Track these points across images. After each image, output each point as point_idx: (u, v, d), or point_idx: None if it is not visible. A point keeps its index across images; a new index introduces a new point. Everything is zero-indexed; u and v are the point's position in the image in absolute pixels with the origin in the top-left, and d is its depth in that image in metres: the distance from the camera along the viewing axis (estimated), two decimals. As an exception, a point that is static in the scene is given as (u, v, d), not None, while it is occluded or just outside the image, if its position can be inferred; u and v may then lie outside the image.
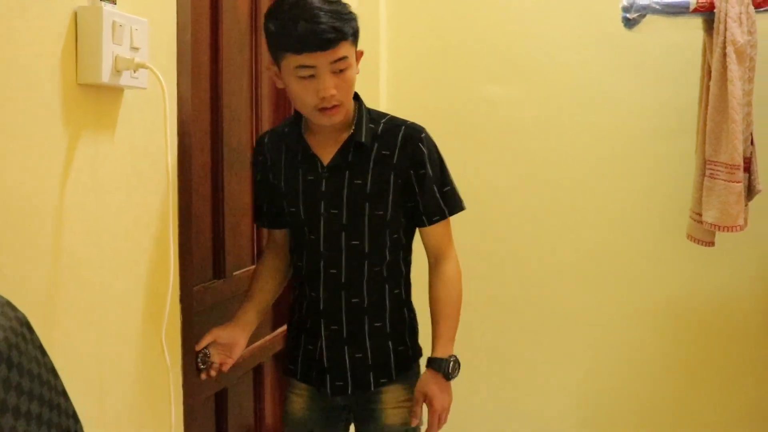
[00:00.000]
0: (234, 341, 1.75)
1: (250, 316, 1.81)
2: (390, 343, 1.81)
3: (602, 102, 2.83)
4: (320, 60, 1.59)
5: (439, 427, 1.81)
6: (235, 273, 1.99)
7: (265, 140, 1.85)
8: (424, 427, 1.84)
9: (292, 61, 1.61)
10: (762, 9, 2.52)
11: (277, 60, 1.66)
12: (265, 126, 2.20)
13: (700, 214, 2.53)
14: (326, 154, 1.75)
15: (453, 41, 2.94)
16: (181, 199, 1.57)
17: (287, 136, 1.80)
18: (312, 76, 1.61)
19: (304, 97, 1.64)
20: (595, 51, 2.81)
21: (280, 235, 1.91)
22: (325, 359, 1.79)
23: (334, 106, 1.65)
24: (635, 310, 2.86)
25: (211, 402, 1.90)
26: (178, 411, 1.54)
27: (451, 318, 1.82)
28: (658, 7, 2.61)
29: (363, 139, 1.73)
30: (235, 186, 2.00)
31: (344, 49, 1.62)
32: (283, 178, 1.79)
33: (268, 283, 1.89)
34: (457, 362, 1.80)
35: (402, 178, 1.76)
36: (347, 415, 1.90)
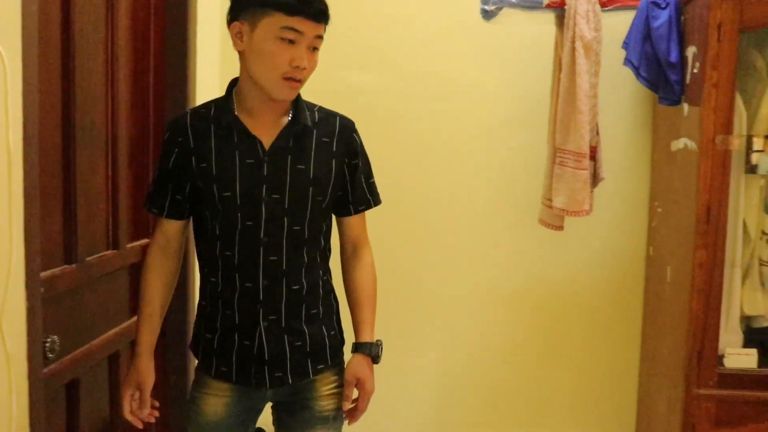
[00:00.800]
0: (146, 385, 1.74)
1: (152, 346, 1.76)
2: (324, 328, 1.80)
3: (461, 91, 2.91)
4: (308, 29, 1.60)
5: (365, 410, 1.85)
6: (88, 258, 1.92)
7: (187, 121, 1.72)
8: None
9: (279, 20, 1.58)
10: (607, 8, 2.69)
11: (254, 17, 1.61)
12: (123, 107, 2.12)
13: (550, 200, 2.68)
14: (266, 136, 1.69)
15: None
16: (27, 180, 1.49)
17: (217, 117, 1.71)
18: (292, 42, 1.60)
19: (277, 60, 1.60)
20: (455, 41, 2.89)
21: (174, 227, 1.78)
22: (266, 352, 1.72)
23: (299, 80, 1.65)
24: (489, 292, 2.98)
25: (61, 394, 1.82)
26: (22, 404, 1.46)
27: (373, 303, 1.87)
28: (514, 0, 2.73)
29: (309, 123, 1.73)
30: (88, 168, 1.92)
31: (323, 29, 1.65)
32: (215, 161, 1.68)
33: (163, 297, 1.78)
34: (382, 345, 1.85)
35: (339, 166, 1.77)
36: (259, 413, 1.85)
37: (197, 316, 1.81)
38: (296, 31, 1.59)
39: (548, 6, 2.71)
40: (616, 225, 2.90)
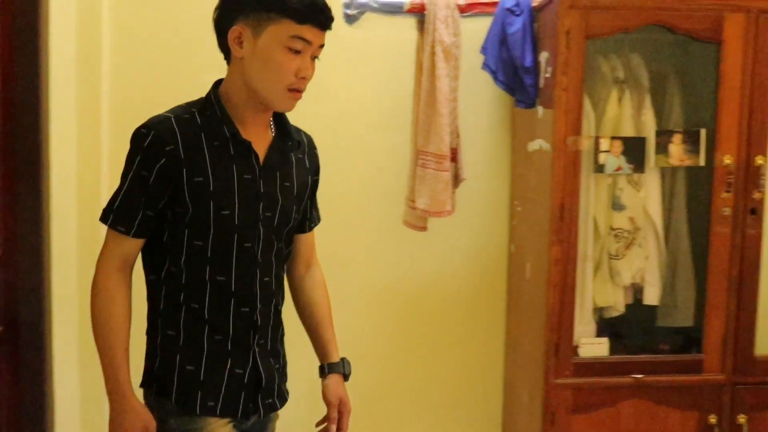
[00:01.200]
0: (152, 423, 1.55)
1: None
2: (284, 348, 1.77)
3: (325, 94, 2.88)
4: (315, 38, 1.53)
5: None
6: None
7: (173, 127, 1.53)
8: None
9: (288, 29, 1.49)
10: (466, 14, 2.78)
11: (257, 23, 1.50)
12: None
13: (414, 201, 2.74)
14: (258, 150, 1.60)
15: (179, 32, 2.84)
16: None
17: (208, 125, 1.55)
18: (298, 53, 1.52)
19: (284, 71, 1.52)
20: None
21: (136, 247, 1.57)
22: (263, 379, 1.63)
23: (301, 91, 1.58)
24: (356, 294, 2.98)
25: None
26: None
27: (331, 320, 1.85)
28: (375, 5, 2.77)
29: (300, 138, 1.69)
30: None
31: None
32: (212, 174, 1.53)
33: (129, 326, 1.57)
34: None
35: (310, 184, 1.74)
36: None
37: (162, 346, 1.60)
38: (305, 40, 1.52)
39: (409, 11, 2.76)
40: (478, 224, 2.98)
